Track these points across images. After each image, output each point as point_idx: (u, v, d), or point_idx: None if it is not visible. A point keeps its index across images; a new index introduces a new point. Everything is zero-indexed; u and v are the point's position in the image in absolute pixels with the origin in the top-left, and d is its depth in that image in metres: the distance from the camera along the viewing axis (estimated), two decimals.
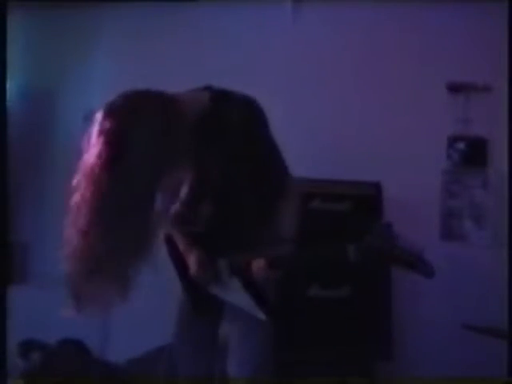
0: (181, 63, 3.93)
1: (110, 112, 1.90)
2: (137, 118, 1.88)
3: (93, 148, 1.89)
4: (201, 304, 2.32)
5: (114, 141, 1.85)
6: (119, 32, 4.36)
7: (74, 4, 4.30)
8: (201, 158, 1.99)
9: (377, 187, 3.52)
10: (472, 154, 3.78)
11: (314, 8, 4.07)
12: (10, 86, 4.31)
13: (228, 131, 2.07)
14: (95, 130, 1.90)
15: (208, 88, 2.18)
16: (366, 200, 3.49)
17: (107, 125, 1.87)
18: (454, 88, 3.81)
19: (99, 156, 1.86)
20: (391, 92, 3.91)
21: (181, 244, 2.26)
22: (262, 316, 2.15)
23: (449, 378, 3.35)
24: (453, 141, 3.82)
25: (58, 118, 4.55)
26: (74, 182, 1.95)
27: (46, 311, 3.96)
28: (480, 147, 3.76)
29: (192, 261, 2.20)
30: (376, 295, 3.43)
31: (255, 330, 2.24)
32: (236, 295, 2.19)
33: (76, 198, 1.92)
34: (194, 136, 1.98)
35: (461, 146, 3.80)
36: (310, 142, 3.81)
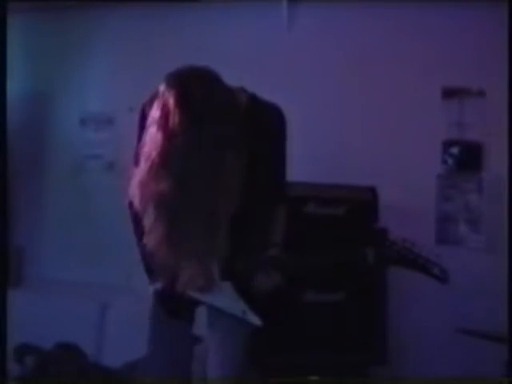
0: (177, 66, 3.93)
1: (174, 83, 1.96)
2: (198, 88, 1.94)
3: (161, 118, 1.94)
4: (172, 306, 2.28)
5: (185, 105, 1.90)
6: (116, 36, 4.38)
7: (71, 7, 4.31)
8: (241, 149, 2.00)
9: (372, 192, 3.52)
10: (467, 158, 3.79)
11: (309, 13, 4.09)
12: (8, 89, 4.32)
13: (254, 133, 2.09)
14: (164, 97, 1.94)
15: (243, 89, 2.24)
16: (361, 204, 3.50)
17: (176, 92, 1.92)
18: (449, 93, 3.82)
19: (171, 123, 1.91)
20: (386, 97, 3.92)
21: (177, 250, 2.18)
22: (255, 321, 2.15)
23: (449, 378, 3.36)
24: (447, 145, 3.83)
25: (55, 121, 4.55)
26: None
27: (41, 315, 3.98)
28: (475, 152, 3.77)
29: (185, 266, 2.14)
30: (371, 299, 3.43)
31: (235, 333, 2.23)
32: (226, 299, 2.18)
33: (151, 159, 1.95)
34: (239, 126, 2.01)
35: (455, 150, 3.81)
36: (306, 146, 3.82)
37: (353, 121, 3.97)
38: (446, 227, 3.81)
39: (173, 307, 2.28)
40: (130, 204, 2.17)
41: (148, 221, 2.03)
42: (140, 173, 1.99)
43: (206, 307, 2.28)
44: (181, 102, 1.92)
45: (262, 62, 4.06)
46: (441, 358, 3.59)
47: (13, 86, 4.36)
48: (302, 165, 3.71)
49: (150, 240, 2.04)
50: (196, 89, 1.95)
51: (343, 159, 3.92)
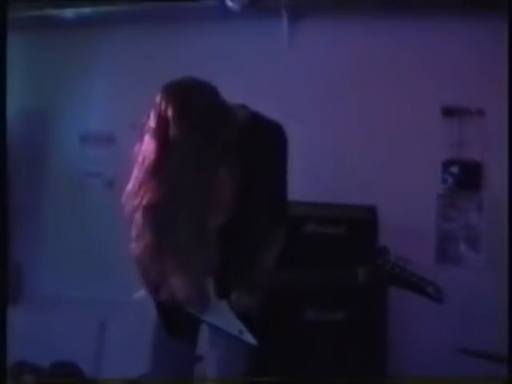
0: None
1: (172, 93, 1.97)
2: (196, 100, 1.95)
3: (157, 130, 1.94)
4: (176, 327, 2.27)
5: (180, 116, 1.91)
6: (116, 53, 4.40)
7: (71, 25, 4.33)
8: (235, 166, 1.99)
9: (372, 211, 3.52)
10: (466, 177, 3.79)
11: (309, 29, 4.11)
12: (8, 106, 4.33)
13: (254, 151, 2.09)
14: (161, 107, 1.94)
15: (243, 106, 2.23)
16: (361, 224, 3.49)
17: (174, 102, 1.92)
18: (448, 112, 3.83)
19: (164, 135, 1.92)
20: (385, 116, 3.93)
21: (165, 263, 2.14)
22: (251, 340, 2.14)
23: (448, 378, 3.34)
24: (447, 165, 3.84)
25: (55, 138, 4.56)
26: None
27: (39, 331, 3.95)
28: (474, 171, 3.77)
29: (177, 282, 2.13)
30: (372, 319, 3.41)
31: (235, 350, 2.22)
32: (223, 318, 2.16)
33: (143, 177, 1.96)
34: (235, 141, 2.01)
35: (455, 169, 3.82)
36: (306, 164, 3.82)
37: (353, 140, 3.97)
38: (446, 246, 3.80)
39: (175, 325, 2.27)
40: None
41: (135, 229, 2.03)
42: (132, 180, 1.99)
43: (205, 324, 2.27)
44: (176, 112, 1.92)
45: (262, 79, 4.07)
46: (441, 377, 3.57)
47: (13, 104, 4.38)
48: (302, 184, 3.70)
49: (135, 248, 2.04)
50: (192, 100, 1.95)
51: (343, 178, 3.92)
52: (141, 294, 2.20)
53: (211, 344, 2.28)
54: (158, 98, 1.97)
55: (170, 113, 1.92)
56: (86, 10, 4.21)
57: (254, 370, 2.27)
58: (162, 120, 1.93)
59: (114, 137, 4.36)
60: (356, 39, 4.04)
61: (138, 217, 2.01)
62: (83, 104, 4.48)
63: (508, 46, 3.39)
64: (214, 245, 2.04)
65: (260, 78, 4.08)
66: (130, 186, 2.00)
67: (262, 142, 2.16)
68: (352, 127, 3.99)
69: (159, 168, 1.93)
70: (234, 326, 2.14)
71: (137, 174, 1.98)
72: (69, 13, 4.21)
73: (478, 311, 3.53)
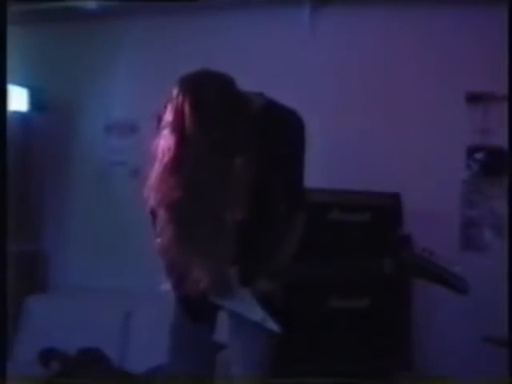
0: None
1: (187, 86, 1.96)
2: (210, 91, 1.94)
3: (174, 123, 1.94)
4: (195, 314, 2.28)
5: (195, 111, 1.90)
6: (140, 43, 4.40)
7: (94, 17, 4.35)
8: (253, 157, 2.00)
9: (396, 198, 3.51)
10: (491, 163, 3.76)
11: (331, 17, 4.08)
12: (32, 98, 4.38)
13: (272, 139, 2.09)
14: (178, 101, 1.94)
15: (260, 94, 2.22)
16: (385, 211, 3.49)
17: (188, 95, 1.92)
18: (473, 98, 3.80)
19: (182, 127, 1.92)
20: (409, 102, 3.91)
21: (185, 253, 2.15)
22: (274, 327, 2.14)
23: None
24: (472, 151, 3.81)
25: (80, 129, 4.60)
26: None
27: (66, 320, 4.01)
28: (499, 157, 3.74)
29: (200, 272, 2.11)
30: (396, 306, 3.42)
31: (260, 338, 2.22)
32: (246, 306, 2.17)
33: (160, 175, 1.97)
34: (252, 133, 2.00)
35: (480, 156, 3.79)
36: (330, 152, 3.82)
37: (377, 127, 3.95)
38: (471, 233, 3.79)
39: (195, 312, 2.28)
40: (152, 211, 2.19)
41: (160, 222, 2.04)
42: (153, 175, 2.00)
43: (227, 313, 2.28)
44: (191, 105, 1.91)
45: (283, 67, 4.06)
46: (466, 364, 3.56)
47: (38, 95, 4.43)
48: (326, 171, 3.71)
49: (160, 241, 2.06)
50: (208, 92, 1.94)
51: (367, 165, 3.91)
52: (167, 285, 2.21)
53: (233, 333, 2.28)
54: (174, 92, 1.98)
55: (185, 106, 1.92)
56: (109, 1, 4.23)
57: (278, 358, 2.29)
58: (179, 114, 1.93)
59: (137, 126, 4.38)
60: (378, 26, 4.00)
61: (161, 212, 2.02)
62: (107, 94, 4.50)
63: None
64: (232, 235, 2.05)
65: (281, 66, 4.07)
66: (151, 181, 2.01)
67: (279, 130, 2.15)
68: (376, 114, 3.97)
69: (178, 163, 1.93)
70: (257, 313, 2.15)
71: (157, 168, 1.99)
72: (91, 4, 4.22)
73: (503, 299, 3.51)
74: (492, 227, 3.75)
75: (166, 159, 1.95)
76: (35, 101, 4.42)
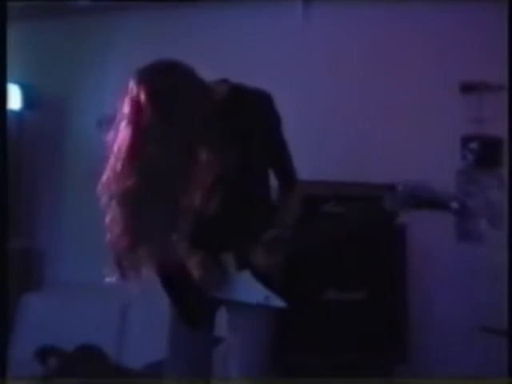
0: (194, 66, 3.94)
1: (143, 77, 1.97)
2: (168, 82, 1.94)
3: (131, 115, 1.94)
4: (192, 316, 2.28)
5: (153, 102, 1.89)
6: (131, 38, 4.39)
7: (86, 13, 4.33)
8: (216, 144, 1.98)
9: (391, 189, 3.50)
10: (486, 153, 3.75)
11: (324, 8, 4.07)
12: (24, 95, 4.36)
13: (243, 122, 2.08)
14: (133, 93, 1.94)
15: (225, 80, 2.22)
16: (380, 202, 3.47)
17: (145, 86, 1.92)
18: (467, 87, 3.79)
19: (138, 121, 1.91)
20: (404, 92, 3.90)
21: (179, 249, 2.16)
22: (279, 303, 2.12)
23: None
24: (467, 141, 3.79)
25: (72, 124, 4.58)
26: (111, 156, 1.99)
27: (63, 317, 4.00)
28: (494, 147, 3.73)
29: (194, 263, 2.14)
30: (393, 298, 3.41)
31: (257, 331, 2.22)
32: (246, 289, 2.16)
33: (115, 165, 1.97)
34: (214, 119, 1.99)
35: (475, 145, 3.77)
36: (323, 143, 3.81)
37: (371, 117, 3.95)
38: (467, 223, 3.78)
39: (192, 317, 2.27)
40: None
41: (111, 215, 2.04)
42: (107, 170, 1.99)
43: (224, 307, 2.27)
44: (147, 96, 1.91)
45: (276, 60, 4.05)
46: (463, 355, 3.56)
47: (30, 92, 4.41)
48: (321, 163, 3.71)
49: (110, 235, 2.06)
50: (164, 83, 1.94)
51: (362, 157, 3.90)
52: (113, 278, 2.20)
53: (232, 326, 2.28)
54: (130, 84, 1.96)
55: (142, 97, 1.91)
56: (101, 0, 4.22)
57: (275, 351, 2.28)
58: (135, 106, 1.92)
59: None
60: (372, 18, 3.99)
61: (113, 204, 2.01)
62: (99, 91, 4.48)
63: None
64: (186, 226, 2.02)
65: (274, 56, 4.06)
66: (105, 175, 1.99)
67: (248, 111, 2.14)
68: (370, 105, 3.97)
69: (134, 154, 1.92)
70: (260, 293, 2.13)
71: (112, 162, 1.96)
72: (83, 1, 4.22)
73: (499, 289, 3.51)
74: (487, 217, 3.74)
75: (121, 151, 1.93)
76: (27, 98, 4.40)
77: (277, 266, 2.16)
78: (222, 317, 2.34)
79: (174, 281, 2.21)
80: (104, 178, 2.00)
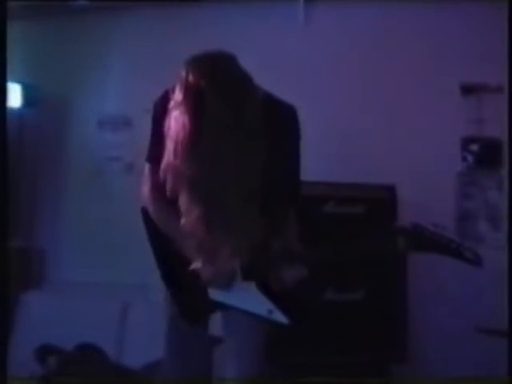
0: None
1: (201, 64, 1.99)
2: (225, 70, 1.99)
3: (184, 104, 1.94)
4: (193, 317, 2.27)
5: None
6: (132, 37, 4.40)
7: (88, 10, 4.34)
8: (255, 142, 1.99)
9: (391, 190, 3.51)
10: (486, 155, 3.76)
11: (325, 9, 4.07)
12: (25, 94, 4.36)
13: (272, 131, 2.07)
14: (188, 81, 1.94)
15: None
16: (380, 203, 3.48)
17: (204, 73, 1.94)
18: (467, 89, 3.79)
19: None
20: (404, 94, 3.91)
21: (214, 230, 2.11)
22: (282, 319, 2.11)
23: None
24: (467, 142, 3.80)
25: (73, 124, 4.58)
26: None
27: (63, 316, 4.00)
28: (494, 148, 3.74)
29: (228, 247, 2.11)
30: (391, 298, 3.42)
31: (254, 333, 2.22)
32: (250, 300, 2.15)
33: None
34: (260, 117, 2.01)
35: (475, 147, 3.78)
36: (324, 145, 3.81)
37: (371, 119, 3.95)
38: (466, 225, 3.79)
39: (192, 315, 2.27)
40: (143, 209, 2.18)
41: (183, 203, 2.02)
42: (167, 156, 1.98)
43: (222, 310, 2.26)
44: (207, 83, 1.92)
45: (278, 60, 4.05)
46: (461, 356, 3.57)
47: (30, 91, 4.41)
48: (321, 164, 3.71)
49: (186, 222, 2.03)
50: (221, 70, 1.97)
51: (362, 158, 3.91)
52: (197, 264, 2.18)
53: (228, 327, 2.27)
54: (183, 72, 1.97)
55: (201, 84, 1.92)
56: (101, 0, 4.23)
57: (273, 351, 2.28)
58: (192, 92, 1.93)
59: (131, 120, 4.37)
60: (373, 19, 3.99)
61: (183, 191, 2.00)
62: (100, 89, 4.49)
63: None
64: (255, 217, 2.04)
65: (276, 59, 4.06)
66: (166, 160, 1.98)
67: (278, 124, 2.13)
68: (370, 106, 3.97)
69: (196, 140, 1.92)
70: (263, 306, 2.12)
71: (172, 148, 1.96)
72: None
73: (498, 290, 3.51)
74: (487, 219, 3.75)
75: (181, 137, 1.93)
76: (28, 96, 4.41)
77: (283, 282, 2.16)
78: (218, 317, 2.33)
79: (179, 276, 2.20)
80: (165, 163, 1.98)
